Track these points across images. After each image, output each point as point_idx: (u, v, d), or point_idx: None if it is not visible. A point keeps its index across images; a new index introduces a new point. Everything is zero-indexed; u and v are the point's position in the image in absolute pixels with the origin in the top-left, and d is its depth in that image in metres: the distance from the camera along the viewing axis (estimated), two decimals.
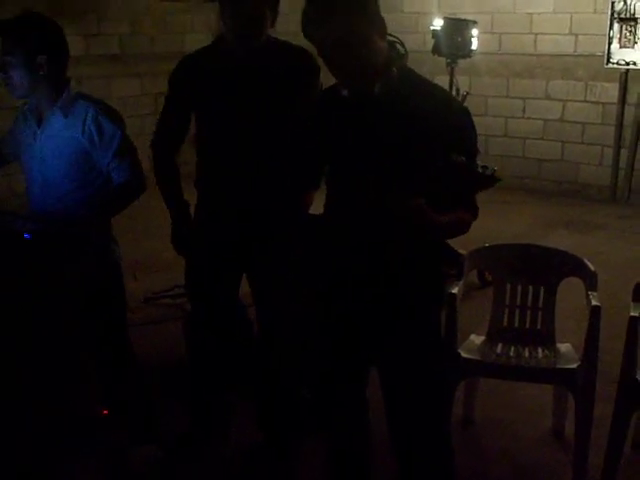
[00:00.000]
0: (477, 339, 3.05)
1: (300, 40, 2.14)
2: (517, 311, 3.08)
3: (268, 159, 2.57)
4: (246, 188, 2.62)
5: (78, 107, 2.53)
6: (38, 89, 2.50)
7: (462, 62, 4.93)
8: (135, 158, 2.58)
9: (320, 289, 2.15)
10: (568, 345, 2.99)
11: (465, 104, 4.69)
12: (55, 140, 2.54)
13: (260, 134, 2.58)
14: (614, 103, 6.76)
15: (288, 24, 2.90)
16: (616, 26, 6.53)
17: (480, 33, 4.97)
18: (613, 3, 6.49)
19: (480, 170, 1.72)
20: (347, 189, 2.08)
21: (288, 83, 2.55)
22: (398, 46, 2.04)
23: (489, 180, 1.73)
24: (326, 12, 1.88)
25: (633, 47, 6.48)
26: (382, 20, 1.94)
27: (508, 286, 3.09)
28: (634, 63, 6.50)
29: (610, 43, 6.58)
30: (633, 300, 2.75)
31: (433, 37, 4.84)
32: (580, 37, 6.83)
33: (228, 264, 2.77)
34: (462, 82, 5.19)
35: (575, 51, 6.89)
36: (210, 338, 2.88)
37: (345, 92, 2.01)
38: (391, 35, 2.01)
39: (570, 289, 3.19)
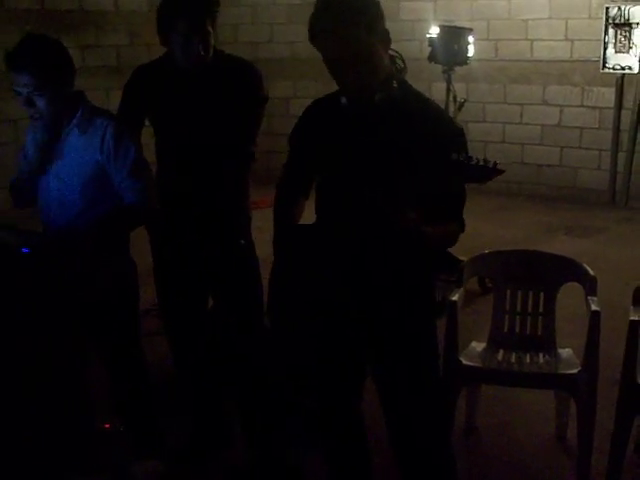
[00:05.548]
0: (478, 346, 3.06)
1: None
2: (518, 317, 3.09)
3: (216, 163, 2.72)
4: (194, 191, 2.74)
5: (97, 124, 2.50)
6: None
7: (459, 69, 4.95)
8: (149, 181, 2.56)
9: (314, 298, 2.16)
10: (569, 350, 3.00)
11: (462, 111, 4.75)
12: (72, 158, 2.52)
13: (207, 141, 2.70)
14: (611, 108, 6.79)
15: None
16: (611, 31, 6.56)
17: (476, 40, 4.98)
18: (607, 9, 6.52)
19: (482, 163, 1.80)
20: (343, 195, 2.09)
21: (233, 94, 2.69)
22: (398, 60, 2.11)
23: (492, 172, 1.82)
24: (336, 24, 1.92)
25: (628, 52, 6.51)
26: (387, 33, 2.01)
27: (508, 292, 3.10)
28: (629, 68, 6.53)
29: (605, 48, 6.60)
30: (633, 304, 2.76)
31: (429, 45, 4.86)
32: (576, 42, 6.85)
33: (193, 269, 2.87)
34: (459, 89, 5.20)
35: (571, 56, 6.91)
36: (186, 349, 3.01)
37: (344, 100, 2.05)
38: (391, 50, 2.07)
39: (570, 294, 3.20)
